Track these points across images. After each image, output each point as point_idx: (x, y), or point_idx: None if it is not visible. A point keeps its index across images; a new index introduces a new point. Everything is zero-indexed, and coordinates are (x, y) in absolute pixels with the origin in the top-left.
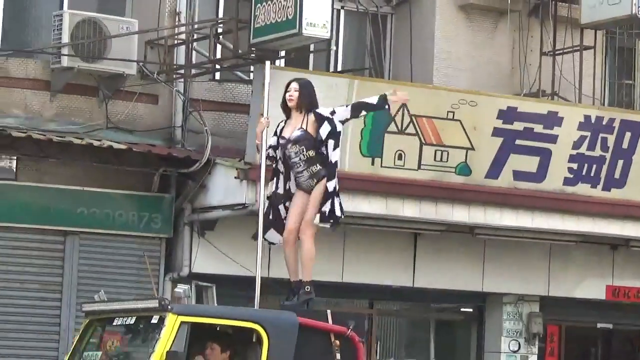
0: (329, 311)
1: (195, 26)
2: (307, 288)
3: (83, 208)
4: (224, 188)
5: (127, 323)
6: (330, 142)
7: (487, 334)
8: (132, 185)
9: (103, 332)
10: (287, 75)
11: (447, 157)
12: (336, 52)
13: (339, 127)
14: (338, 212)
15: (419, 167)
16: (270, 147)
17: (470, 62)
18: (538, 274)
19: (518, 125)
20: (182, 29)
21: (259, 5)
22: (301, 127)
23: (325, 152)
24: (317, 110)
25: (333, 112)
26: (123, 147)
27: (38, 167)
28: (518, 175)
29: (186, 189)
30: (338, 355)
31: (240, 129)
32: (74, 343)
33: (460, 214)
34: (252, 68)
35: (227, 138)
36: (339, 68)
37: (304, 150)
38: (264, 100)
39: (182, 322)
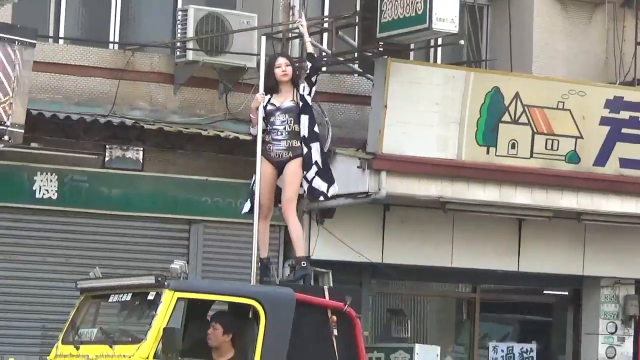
0: (325, 287)
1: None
2: (303, 263)
3: (207, 197)
4: (344, 177)
5: (123, 300)
6: (306, 116)
7: (585, 316)
8: (249, 175)
9: (98, 308)
10: (408, 68)
11: (558, 146)
12: (435, 42)
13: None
14: (322, 188)
15: (531, 156)
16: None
17: (566, 52)
18: (635, 258)
19: (624, 114)
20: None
21: (386, 0)
22: (293, 99)
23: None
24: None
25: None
26: (248, 138)
27: (163, 157)
28: (624, 162)
29: None
30: (335, 331)
31: (353, 119)
32: (69, 320)
33: (568, 201)
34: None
35: (340, 128)
36: (439, 60)
37: (292, 122)
38: (385, 92)
39: (179, 298)
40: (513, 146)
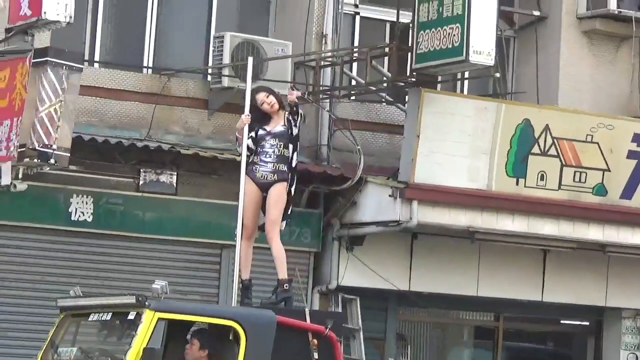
0: (307, 310)
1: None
2: (285, 286)
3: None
4: (375, 205)
5: (102, 319)
6: (291, 146)
7: (605, 346)
8: None
9: (78, 327)
10: (440, 98)
11: (585, 178)
12: (462, 74)
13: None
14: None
15: (559, 187)
16: (249, 137)
17: (592, 84)
18: None
19: None
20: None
21: (422, 31)
22: (284, 124)
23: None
24: (287, 116)
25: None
26: None
27: (196, 182)
28: None
29: (335, 205)
30: (316, 355)
31: (382, 147)
32: (48, 338)
33: (595, 233)
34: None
35: (370, 156)
36: (465, 91)
37: (281, 146)
38: (418, 122)
39: (159, 319)
40: (542, 178)
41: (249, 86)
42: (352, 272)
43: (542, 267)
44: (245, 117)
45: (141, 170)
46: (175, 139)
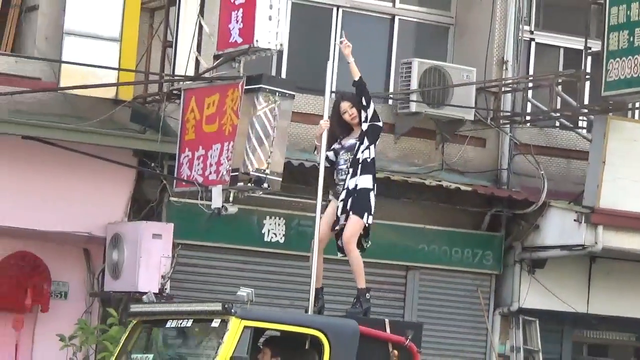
0: (387, 320)
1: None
2: (367, 295)
3: (424, 244)
4: (559, 229)
5: (181, 325)
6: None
7: None
8: (463, 224)
9: (151, 334)
10: (627, 125)
11: None
12: None
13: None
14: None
15: None
16: (332, 149)
17: None
18: None
19: None
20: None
21: (612, 60)
22: (357, 137)
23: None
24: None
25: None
26: (468, 189)
27: (384, 205)
28: None
29: (517, 228)
30: None
31: (560, 172)
32: (120, 346)
33: None
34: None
35: (548, 180)
36: None
37: (352, 159)
38: (604, 149)
39: (245, 327)
40: None
41: (328, 92)
42: (532, 294)
43: None
44: (324, 122)
45: (330, 192)
46: None
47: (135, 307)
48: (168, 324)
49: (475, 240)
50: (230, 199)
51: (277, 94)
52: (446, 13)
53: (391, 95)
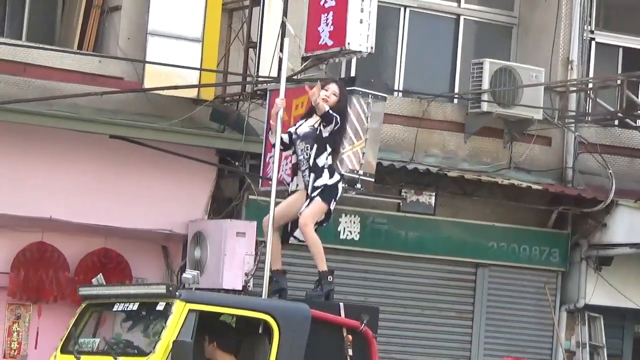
0: (341, 304)
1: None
2: (330, 278)
3: (493, 242)
4: (627, 227)
5: (128, 309)
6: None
7: None
8: (530, 221)
9: (100, 317)
10: None
11: None
12: None
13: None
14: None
15: None
16: (287, 132)
17: None
18: None
19: None
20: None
21: None
22: (312, 125)
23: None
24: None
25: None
26: (539, 187)
27: (453, 203)
28: None
29: (584, 226)
30: (350, 351)
31: (624, 170)
32: (68, 328)
33: None
34: None
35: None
36: None
37: (308, 148)
38: None
39: (190, 310)
40: None
41: (284, 66)
42: (598, 291)
43: None
44: (280, 100)
45: (402, 191)
46: (434, 161)
47: (83, 290)
48: (115, 307)
49: (542, 238)
50: None
51: (370, 96)
52: (510, 13)
53: (462, 95)
